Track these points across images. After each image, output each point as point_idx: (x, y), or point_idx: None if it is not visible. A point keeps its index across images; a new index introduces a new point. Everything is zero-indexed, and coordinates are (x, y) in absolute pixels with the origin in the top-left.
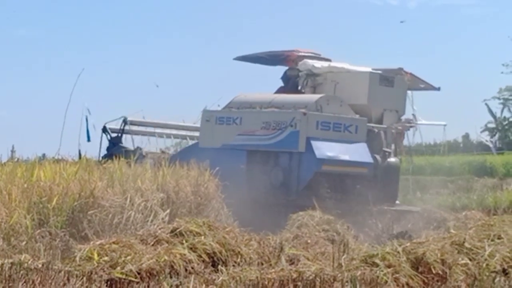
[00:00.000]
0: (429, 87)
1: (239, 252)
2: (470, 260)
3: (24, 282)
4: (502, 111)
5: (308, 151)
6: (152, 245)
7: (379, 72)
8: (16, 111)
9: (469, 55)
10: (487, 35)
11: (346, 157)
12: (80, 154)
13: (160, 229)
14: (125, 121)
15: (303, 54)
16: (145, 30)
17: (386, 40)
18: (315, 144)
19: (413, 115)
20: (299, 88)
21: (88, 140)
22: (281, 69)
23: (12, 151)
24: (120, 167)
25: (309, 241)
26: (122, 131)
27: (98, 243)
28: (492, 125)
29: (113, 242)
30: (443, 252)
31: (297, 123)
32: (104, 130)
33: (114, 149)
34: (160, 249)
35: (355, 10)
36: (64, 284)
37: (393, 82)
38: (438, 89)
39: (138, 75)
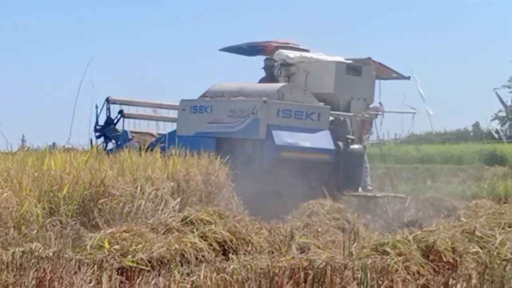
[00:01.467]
0: (400, 77)
1: (249, 240)
2: (481, 248)
3: (35, 270)
4: None
5: (268, 138)
6: (163, 233)
7: (346, 61)
8: (27, 102)
9: (480, 43)
10: (497, 23)
11: (307, 144)
12: (91, 143)
13: (170, 217)
14: (107, 100)
15: (279, 44)
16: (136, 22)
17: (392, 29)
18: (275, 131)
19: (380, 103)
20: (275, 77)
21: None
22: (262, 60)
23: (23, 140)
24: (131, 155)
25: (319, 229)
26: (109, 111)
27: (108, 231)
28: (503, 114)
29: (124, 231)
30: (454, 240)
31: (258, 110)
32: (108, 104)
33: (108, 129)
34: (171, 238)
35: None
36: (75, 272)
37: (360, 71)
38: (408, 78)
39: (147, 63)
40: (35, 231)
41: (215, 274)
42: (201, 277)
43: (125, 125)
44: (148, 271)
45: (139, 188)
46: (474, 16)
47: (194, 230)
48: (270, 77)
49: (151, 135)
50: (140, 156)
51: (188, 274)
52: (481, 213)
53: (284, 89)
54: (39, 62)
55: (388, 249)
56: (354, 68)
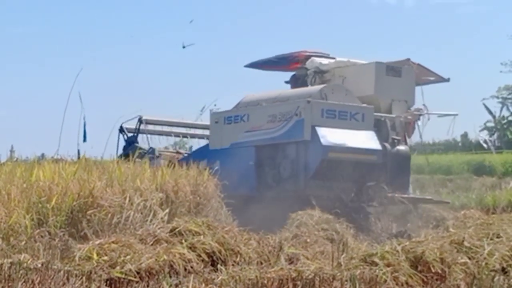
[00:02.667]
0: (439, 79)
1: (238, 251)
2: (469, 259)
3: (24, 281)
4: (501, 110)
5: (314, 139)
6: (152, 244)
7: (385, 62)
8: (15, 111)
9: (468, 54)
10: (485, 33)
11: (353, 144)
12: (79, 154)
13: (159, 228)
14: (140, 120)
15: (310, 53)
16: (139, 29)
17: (382, 39)
18: (321, 131)
19: (424, 105)
20: (308, 86)
21: (84, 140)
22: (288, 74)
23: (11, 151)
24: (119, 166)
25: (308, 240)
26: (137, 131)
27: (97, 242)
28: (491, 124)
29: (113, 242)
30: (442, 251)
31: (302, 111)
32: (121, 130)
33: (130, 148)
34: (160, 249)
35: (352, 9)
36: (64, 284)
37: (400, 72)
38: (448, 80)
39: (135, 74)
40: (23, 242)
41: (203, 285)
42: None
43: (151, 142)
44: (137, 282)
45: (127, 199)
46: (462, 25)
47: (183, 241)
48: (302, 87)
49: (179, 153)
50: (128, 167)
51: (176, 285)
52: (470, 224)
53: (327, 89)
54: (27, 71)
55: (376, 259)
56: (394, 69)
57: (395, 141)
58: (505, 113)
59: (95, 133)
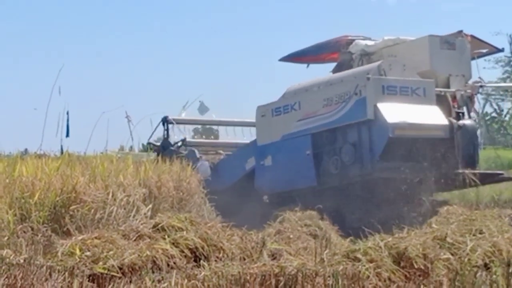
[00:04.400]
0: (493, 50)
1: (221, 247)
2: (452, 255)
3: (6, 277)
4: (484, 106)
5: (378, 117)
6: (134, 240)
7: (439, 35)
8: None
9: None
10: (469, 30)
11: (419, 120)
12: (62, 150)
13: (142, 224)
14: (166, 121)
15: (352, 38)
16: (122, 23)
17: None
18: (384, 108)
19: (480, 77)
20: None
21: (67, 135)
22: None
23: None
24: (102, 162)
25: (291, 236)
26: (167, 132)
27: (80, 238)
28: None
29: (95, 237)
30: (425, 247)
31: (362, 89)
32: (166, 122)
33: (165, 153)
34: (142, 244)
35: (335, 6)
36: (46, 279)
37: (454, 45)
38: (502, 50)
39: (117, 69)
40: (6, 238)
41: (186, 281)
42: (172, 284)
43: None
44: (120, 278)
45: (110, 194)
46: (444, 22)
47: (166, 236)
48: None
49: (218, 153)
50: (111, 162)
51: (159, 281)
52: (453, 220)
53: (384, 65)
54: (9, 66)
55: (359, 255)
56: (448, 42)
57: (460, 115)
58: (488, 109)
59: (78, 128)
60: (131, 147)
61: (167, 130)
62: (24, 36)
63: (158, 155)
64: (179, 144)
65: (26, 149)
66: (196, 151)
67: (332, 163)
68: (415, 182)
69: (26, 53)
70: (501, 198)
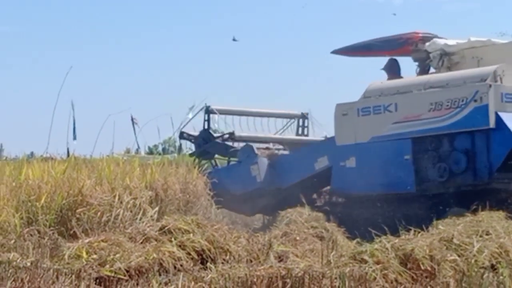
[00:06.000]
0: None
1: (227, 249)
2: (458, 256)
3: (13, 280)
4: None
5: (499, 126)
6: (141, 243)
7: None
8: (4, 109)
9: None
10: (474, 31)
11: None
12: (68, 153)
13: (148, 227)
14: (208, 110)
15: (424, 35)
16: (128, 26)
17: (370, 36)
18: (506, 117)
19: None
20: (433, 69)
21: (74, 138)
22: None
23: (0, 150)
24: (109, 165)
25: (297, 238)
26: (208, 123)
27: (86, 241)
28: None
29: (102, 240)
30: (432, 248)
31: (483, 96)
32: (208, 113)
33: (208, 146)
34: (149, 247)
35: (341, 6)
36: (53, 282)
37: None
38: None
39: (123, 71)
40: (12, 241)
41: (193, 283)
42: (179, 286)
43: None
44: (126, 280)
45: (117, 197)
46: (449, 23)
47: (172, 239)
48: (423, 71)
49: (268, 148)
50: (118, 165)
51: (166, 283)
52: (459, 221)
53: (499, 70)
54: (16, 69)
55: (366, 257)
56: None
57: None
58: None
59: (84, 131)
60: (137, 149)
61: (208, 120)
62: (31, 38)
63: (198, 146)
64: (226, 136)
65: (32, 152)
66: (254, 147)
67: (436, 170)
68: None
69: (33, 55)
70: None
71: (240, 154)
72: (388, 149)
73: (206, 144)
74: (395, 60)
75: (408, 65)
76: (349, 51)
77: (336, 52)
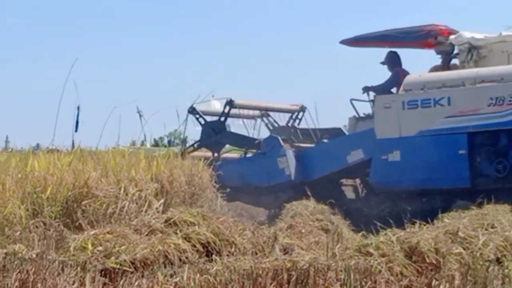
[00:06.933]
0: None
1: (233, 241)
2: (464, 249)
3: (19, 272)
4: None
5: None
6: (146, 235)
7: None
8: (10, 101)
9: None
10: (479, 25)
11: None
12: (73, 144)
13: (154, 219)
14: (231, 104)
15: (445, 28)
16: (133, 18)
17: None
18: None
19: None
20: (461, 63)
21: (76, 130)
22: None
23: (6, 141)
24: (114, 157)
25: (303, 230)
26: (226, 115)
27: (92, 233)
28: None
29: (107, 232)
30: (437, 241)
31: None
32: (193, 112)
33: (221, 136)
34: (154, 239)
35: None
36: (59, 274)
37: None
38: None
39: (129, 63)
40: (18, 233)
41: (198, 275)
42: (185, 278)
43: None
44: (132, 272)
45: (122, 189)
46: (453, 17)
47: (178, 231)
48: (446, 65)
49: (292, 142)
50: (123, 157)
51: (171, 276)
52: (464, 214)
53: None
54: (22, 60)
55: (371, 250)
56: None
57: None
58: None
59: (90, 123)
60: (142, 141)
61: (228, 113)
62: (36, 30)
63: (207, 136)
64: (226, 108)
65: (38, 144)
66: (279, 138)
67: (494, 165)
68: None
69: (38, 47)
70: None
71: (264, 145)
72: (441, 144)
73: (217, 135)
74: (395, 52)
75: (409, 58)
76: (359, 41)
77: (344, 42)
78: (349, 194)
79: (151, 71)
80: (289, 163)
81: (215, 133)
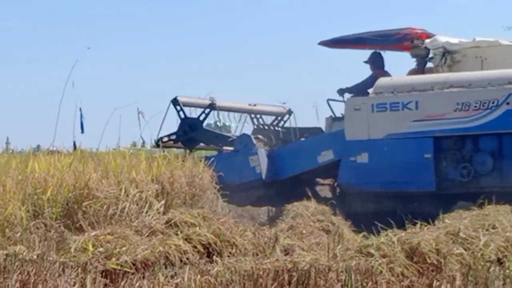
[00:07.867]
0: None
1: (234, 242)
2: (465, 249)
3: (19, 273)
4: None
5: None
6: (147, 236)
7: None
8: (10, 102)
9: None
10: (479, 26)
11: None
12: (74, 146)
13: (155, 220)
14: (212, 107)
15: (420, 32)
16: (135, 19)
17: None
18: None
19: None
20: (435, 67)
21: (82, 131)
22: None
23: (7, 143)
24: (115, 158)
25: (304, 231)
26: (206, 115)
27: (93, 234)
28: None
29: (108, 233)
30: (438, 242)
31: None
32: (175, 103)
33: (196, 133)
34: (155, 240)
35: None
36: (59, 275)
37: None
38: None
39: (130, 66)
40: (19, 234)
41: (199, 276)
42: (185, 279)
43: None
44: (132, 273)
45: (123, 190)
46: (455, 18)
47: (179, 232)
48: (421, 68)
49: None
50: (124, 158)
51: (172, 277)
52: (465, 215)
53: None
54: (22, 62)
55: (372, 250)
56: None
57: None
58: None
59: (90, 124)
60: (143, 143)
61: (207, 115)
62: (36, 32)
63: (183, 133)
64: (207, 110)
65: (38, 146)
66: (252, 137)
67: (459, 170)
68: None
69: (38, 48)
70: None
71: (237, 143)
72: (407, 147)
73: (193, 131)
74: (379, 53)
75: (393, 60)
76: (337, 43)
77: (323, 43)
78: (326, 193)
79: (152, 72)
80: (260, 161)
81: (190, 130)
